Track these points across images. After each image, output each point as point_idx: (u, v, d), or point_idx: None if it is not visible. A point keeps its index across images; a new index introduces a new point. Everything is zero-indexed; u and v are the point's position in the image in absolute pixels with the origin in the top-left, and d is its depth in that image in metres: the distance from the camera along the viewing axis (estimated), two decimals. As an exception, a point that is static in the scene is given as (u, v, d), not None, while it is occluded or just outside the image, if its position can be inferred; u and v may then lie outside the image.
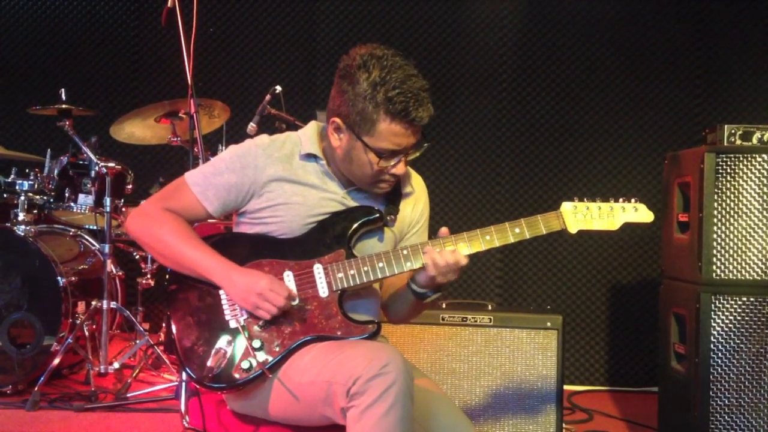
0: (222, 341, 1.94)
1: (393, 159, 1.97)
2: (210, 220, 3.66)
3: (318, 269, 1.99)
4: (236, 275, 1.94)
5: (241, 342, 1.93)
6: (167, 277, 2.04)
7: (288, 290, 1.93)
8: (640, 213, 2.09)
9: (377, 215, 2.04)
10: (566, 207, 2.07)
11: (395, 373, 1.74)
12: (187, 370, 1.96)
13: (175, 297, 2.02)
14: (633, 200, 2.09)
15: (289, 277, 1.98)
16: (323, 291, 1.98)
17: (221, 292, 1.98)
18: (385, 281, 2.16)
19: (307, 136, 2.09)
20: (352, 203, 2.07)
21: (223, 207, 2.04)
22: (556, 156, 4.53)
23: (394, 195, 2.12)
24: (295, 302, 1.96)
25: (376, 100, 1.89)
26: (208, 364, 1.91)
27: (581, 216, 2.07)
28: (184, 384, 2.27)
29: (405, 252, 1.99)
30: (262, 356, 1.92)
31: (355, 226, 2.02)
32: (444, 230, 2.03)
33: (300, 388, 1.88)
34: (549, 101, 4.55)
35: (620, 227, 2.09)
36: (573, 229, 2.06)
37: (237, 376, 1.92)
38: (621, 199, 2.09)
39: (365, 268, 1.98)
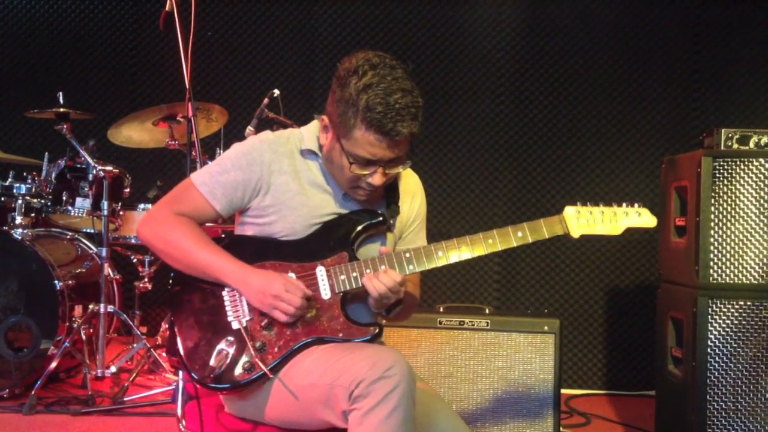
0: (224, 342, 1.95)
1: (368, 168, 1.96)
2: (209, 224, 3.69)
3: (321, 271, 2.00)
4: (251, 277, 1.95)
5: (243, 343, 1.93)
6: (171, 278, 2.05)
7: (303, 290, 1.94)
8: (643, 218, 2.08)
9: (381, 219, 2.05)
10: (569, 211, 2.06)
11: (399, 376, 1.74)
12: (189, 370, 1.96)
13: (179, 298, 2.02)
14: (636, 205, 2.08)
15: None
16: (325, 293, 1.98)
17: (224, 293, 1.99)
18: None
19: (310, 132, 2.10)
20: (352, 204, 2.08)
21: (231, 205, 2.04)
22: (554, 160, 4.54)
23: (392, 195, 2.12)
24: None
25: (357, 106, 1.89)
26: (210, 364, 1.92)
27: (584, 220, 2.06)
28: (181, 388, 2.27)
29: (407, 255, 2.00)
30: (263, 357, 1.93)
31: (358, 229, 2.03)
32: (383, 249, 2.02)
33: (300, 390, 1.89)
34: (546, 105, 4.56)
35: (623, 232, 2.08)
36: (576, 234, 2.05)
37: (239, 376, 1.93)
38: (624, 204, 2.08)
39: (368, 271, 1.98)
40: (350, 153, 1.94)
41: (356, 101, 1.88)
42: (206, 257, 1.97)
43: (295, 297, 1.91)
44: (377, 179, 1.97)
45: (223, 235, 2.15)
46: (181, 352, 1.97)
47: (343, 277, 1.98)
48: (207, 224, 3.70)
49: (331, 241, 2.02)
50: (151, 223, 2.05)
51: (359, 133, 1.91)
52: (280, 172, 2.03)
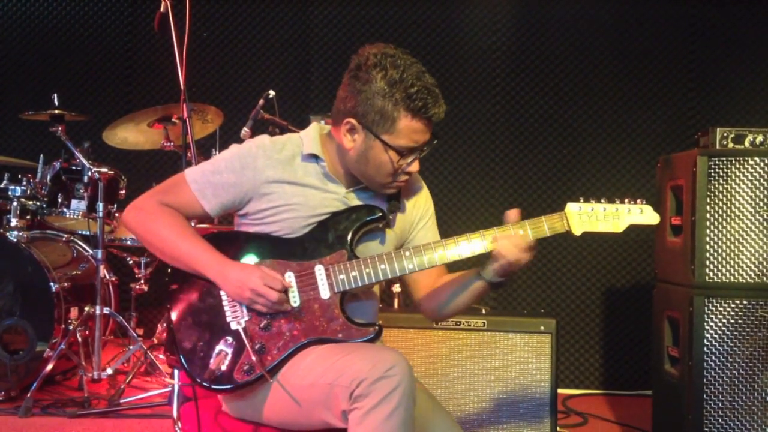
0: (223, 343, 1.94)
1: (410, 157, 1.98)
2: (205, 225, 3.69)
3: (319, 270, 1.98)
4: (230, 270, 1.93)
5: (242, 344, 1.92)
6: (168, 277, 2.03)
7: (281, 282, 1.92)
8: (645, 215, 2.01)
9: (380, 214, 2.03)
10: (571, 208, 2.01)
11: (400, 376, 1.73)
12: (189, 371, 1.95)
13: (177, 297, 2.01)
14: (639, 201, 2.02)
15: (290, 278, 1.98)
16: (325, 292, 1.97)
17: (222, 292, 1.97)
18: (419, 279, 2.14)
19: (310, 137, 2.08)
20: (354, 202, 2.07)
21: (221, 206, 2.03)
22: (550, 159, 4.54)
23: (394, 194, 2.10)
24: (296, 303, 1.95)
25: (395, 98, 1.90)
26: (210, 365, 1.91)
27: (586, 217, 2.00)
28: (176, 389, 2.26)
29: (407, 253, 1.98)
30: (263, 358, 1.92)
31: (357, 225, 2.01)
32: (514, 213, 1.99)
33: (300, 390, 1.88)
34: (543, 104, 4.57)
35: (625, 229, 2.02)
36: (577, 231, 2.00)
37: (238, 378, 1.92)
38: (627, 200, 2.02)
39: (367, 270, 1.97)
40: (395, 146, 1.94)
41: (392, 93, 1.90)
42: (186, 248, 1.96)
43: (272, 291, 1.90)
44: (416, 165, 2.01)
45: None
46: (180, 352, 1.96)
47: (342, 276, 1.97)
48: (205, 225, 3.72)
49: (330, 238, 2.00)
50: (135, 212, 2.04)
51: (404, 123, 1.92)
52: (273, 179, 2.01)
